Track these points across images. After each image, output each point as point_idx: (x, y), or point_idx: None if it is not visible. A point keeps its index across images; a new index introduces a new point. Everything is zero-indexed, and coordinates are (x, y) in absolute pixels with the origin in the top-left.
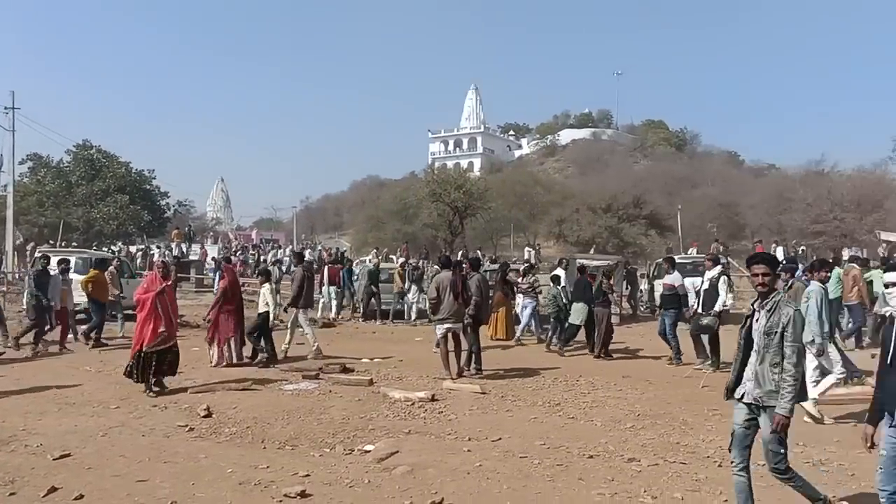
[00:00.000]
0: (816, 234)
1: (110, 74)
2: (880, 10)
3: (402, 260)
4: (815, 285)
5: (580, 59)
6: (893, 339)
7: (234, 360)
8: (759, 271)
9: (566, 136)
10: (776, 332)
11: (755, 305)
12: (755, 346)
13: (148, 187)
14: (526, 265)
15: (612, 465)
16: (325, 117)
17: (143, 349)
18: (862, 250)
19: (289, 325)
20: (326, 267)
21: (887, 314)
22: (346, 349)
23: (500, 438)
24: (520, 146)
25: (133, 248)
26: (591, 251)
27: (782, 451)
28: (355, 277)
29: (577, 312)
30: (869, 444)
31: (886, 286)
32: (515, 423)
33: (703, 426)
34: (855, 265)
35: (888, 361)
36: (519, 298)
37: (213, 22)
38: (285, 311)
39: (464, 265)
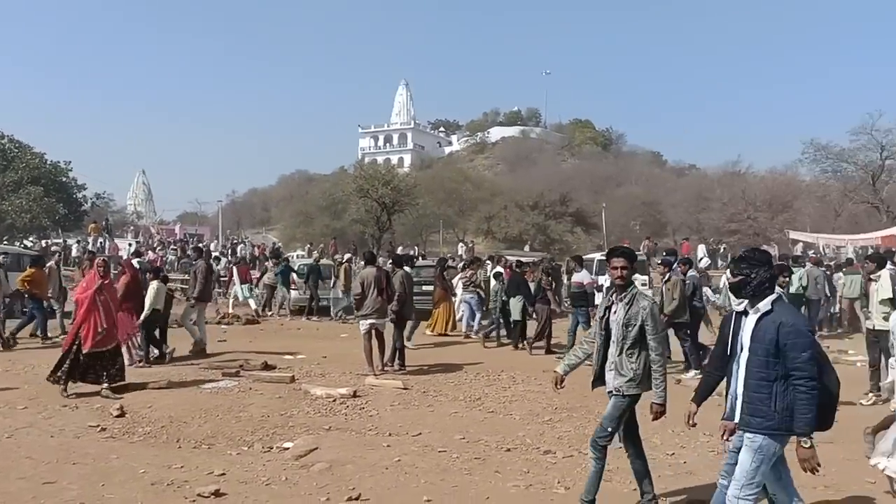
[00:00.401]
0: (732, 232)
1: (24, 61)
2: (794, 18)
3: (347, 255)
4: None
5: (510, 58)
6: (731, 330)
7: (137, 358)
8: (617, 265)
9: (496, 133)
10: (634, 325)
11: (613, 297)
12: (613, 337)
13: (64, 179)
14: (466, 260)
15: (528, 457)
16: (253, 110)
17: (84, 351)
18: (776, 248)
19: (196, 322)
20: (235, 267)
21: (727, 306)
22: (270, 346)
23: (420, 433)
24: (450, 143)
25: (46, 242)
26: (527, 248)
27: (610, 430)
28: (302, 272)
29: (516, 308)
30: (691, 423)
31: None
32: (436, 418)
33: None
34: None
35: (727, 352)
36: (458, 293)
37: (133, 6)
38: (192, 306)
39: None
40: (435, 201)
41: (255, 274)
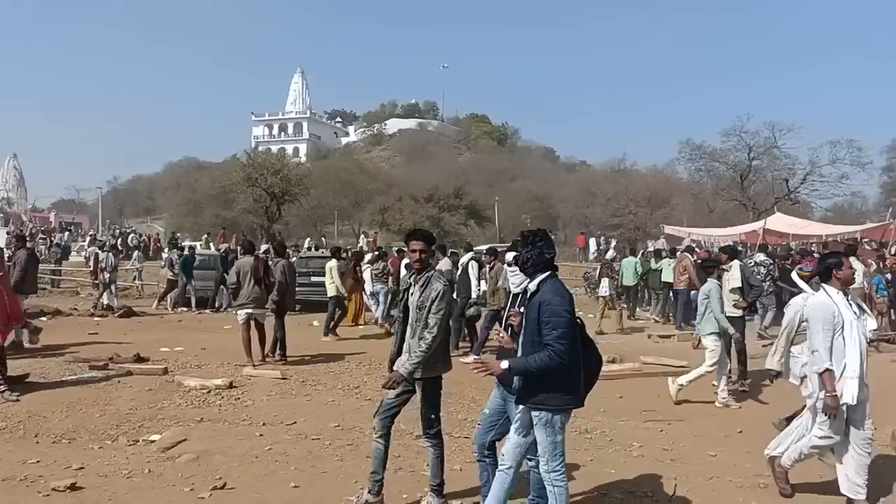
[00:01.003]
0: (615, 226)
1: None
2: (681, 29)
3: (265, 247)
4: (712, 283)
5: (408, 50)
6: (506, 310)
7: None
8: (416, 248)
9: (393, 125)
10: (427, 307)
11: (411, 280)
12: (409, 320)
13: None
14: (377, 251)
15: (400, 442)
16: (139, 93)
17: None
18: (653, 241)
19: None
20: (99, 252)
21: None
22: (146, 338)
23: (294, 422)
24: (347, 133)
25: None
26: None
27: (434, 416)
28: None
29: None
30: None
31: (509, 264)
32: (312, 407)
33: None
34: (688, 255)
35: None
36: (368, 285)
37: None
38: None
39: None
40: (330, 192)
41: (133, 265)
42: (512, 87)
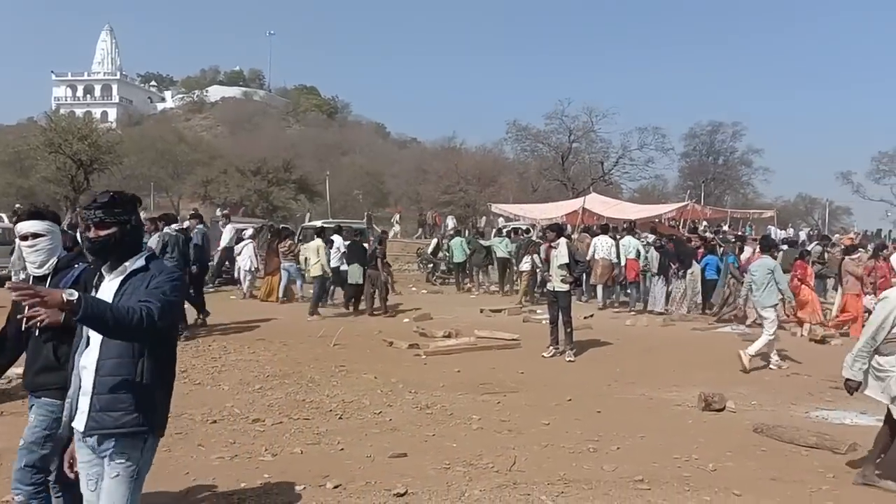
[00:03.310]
0: (446, 203)
1: None
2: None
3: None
4: (772, 260)
5: (232, 13)
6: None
7: None
8: None
9: (215, 92)
10: None
11: None
12: None
13: None
14: (282, 228)
15: (235, 427)
16: None
17: None
18: (484, 218)
19: None
20: None
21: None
22: None
23: None
24: (163, 99)
25: None
26: (309, 218)
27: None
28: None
29: (354, 273)
30: None
31: (24, 238)
32: None
33: (328, 382)
34: (587, 234)
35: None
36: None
37: None
38: None
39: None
40: (145, 162)
41: None
42: (342, 61)
